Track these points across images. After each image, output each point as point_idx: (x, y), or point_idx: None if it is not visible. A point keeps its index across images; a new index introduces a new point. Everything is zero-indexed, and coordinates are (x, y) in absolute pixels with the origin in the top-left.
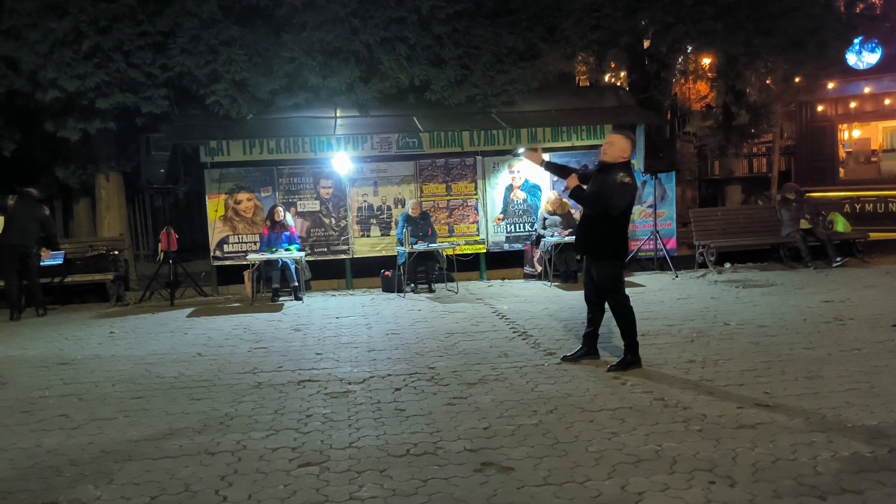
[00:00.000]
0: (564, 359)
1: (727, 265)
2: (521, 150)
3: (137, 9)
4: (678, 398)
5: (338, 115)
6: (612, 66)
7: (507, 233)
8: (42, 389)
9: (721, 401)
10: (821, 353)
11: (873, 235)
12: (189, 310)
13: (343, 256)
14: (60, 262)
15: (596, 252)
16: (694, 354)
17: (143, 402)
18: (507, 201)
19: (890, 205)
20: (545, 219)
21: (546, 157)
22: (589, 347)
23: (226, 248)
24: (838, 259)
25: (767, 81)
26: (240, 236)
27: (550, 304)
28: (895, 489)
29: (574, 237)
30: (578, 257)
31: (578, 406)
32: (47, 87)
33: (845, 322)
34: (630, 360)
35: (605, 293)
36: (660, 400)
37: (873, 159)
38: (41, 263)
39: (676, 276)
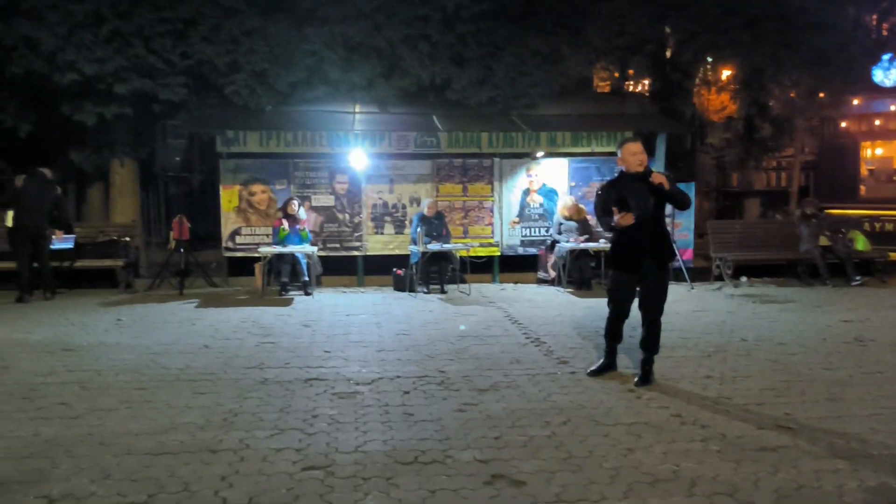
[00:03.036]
0: (591, 374)
1: (744, 279)
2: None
3: None
4: (696, 415)
5: (357, 110)
6: (631, 73)
7: (522, 236)
8: (44, 376)
9: (740, 420)
10: (842, 375)
11: (893, 255)
12: (198, 300)
13: (356, 253)
14: (71, 247)
15: (666, 256)
16: (711, 370)
17: (146, 394)
18: (523, 205)
19: None
20: (561, 224)
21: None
22: (612, 360)
23: (238, 239)
24: (857, 278)
25: (791, 95)
26: (252, 228)
27: (563, 310)
28: None
29: (591, 243)
30: (593, 264)
31: (592, 419)
32: (65, 70)
33: (866, 343)
34: (652, 373)
35: (658, 302)
36: (677, 416)
37: (895, 178)
38: (51, 247)
39: (692, 288)
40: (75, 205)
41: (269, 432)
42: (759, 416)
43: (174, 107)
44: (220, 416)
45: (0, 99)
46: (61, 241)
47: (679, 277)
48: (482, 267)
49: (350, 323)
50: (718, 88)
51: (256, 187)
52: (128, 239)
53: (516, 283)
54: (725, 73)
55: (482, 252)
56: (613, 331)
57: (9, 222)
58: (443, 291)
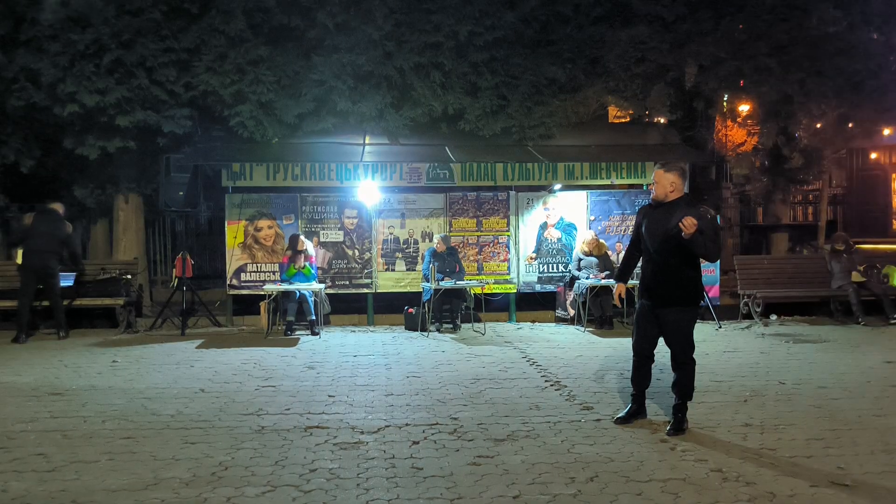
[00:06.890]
0: (618, 421)
1: (773, 317)
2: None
3: (163, 24)
4: (738, 470)
5: (366, 142)
6: (651, 101)
7: (540, 273)
8: (26, 423)
9: (789, 475)
10: (895, 422)
11: None
12: (199, 340)
13: (365, 290)
14: (70, 284)
15: (677, 298)
16: (750, 417)
17: (131, 444)
18: (540, 240)
19: None
20: (580, 260)
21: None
22: (640, 405)
23: (243, 276)
24: (895, 316)
25: (818, 125)
26: (258, 265)
27: (584, 351)
28: None
29: (611, 279)
30: (614, 302)
31: (623, 474)
32: (66, 102)
33: None
34: (685, 421)
35: (678, 345)
36: (717, 471)
37: None
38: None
39: (720, 327)
40: (80, 241)
41: (261, 489)
42: (810, 471)
43: (178, 140)
44: (209, 470)
45: (2, 133)
46: (62, 279)
47: (705, 316)
48: (498, 305)
49: (357, 364)
50: (745, 118)
51: (263, 222)
52: (129, 277)
53: (533, 321)
54: (743, 106)
55: (497, 289)
56: (637, 373)
57: (18, 260)
58: (456, 330)
